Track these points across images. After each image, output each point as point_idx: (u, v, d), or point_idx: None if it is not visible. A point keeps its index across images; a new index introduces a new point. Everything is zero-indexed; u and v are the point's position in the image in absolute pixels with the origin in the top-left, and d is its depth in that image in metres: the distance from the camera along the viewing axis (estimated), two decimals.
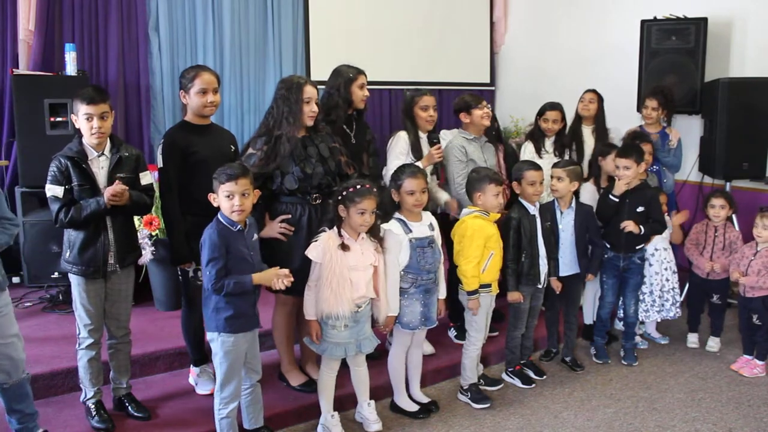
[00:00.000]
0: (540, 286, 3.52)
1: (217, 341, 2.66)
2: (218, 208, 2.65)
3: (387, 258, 2.99)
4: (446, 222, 3.60)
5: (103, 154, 2.82)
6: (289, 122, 2.99)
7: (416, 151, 3.62)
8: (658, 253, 3.95)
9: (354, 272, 2.86)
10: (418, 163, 3.49)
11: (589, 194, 3.92)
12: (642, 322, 4.12)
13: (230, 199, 2.58)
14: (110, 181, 2.80)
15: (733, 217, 4.19)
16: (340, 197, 2.83)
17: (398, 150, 3.59)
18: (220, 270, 2.54)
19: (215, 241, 2.55)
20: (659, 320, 4.09)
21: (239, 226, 2.62)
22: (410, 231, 3.03)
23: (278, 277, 2.63)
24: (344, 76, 3.45)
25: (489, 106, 3.82)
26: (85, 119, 2.72)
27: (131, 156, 2.90)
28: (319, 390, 3.03)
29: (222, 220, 2.61)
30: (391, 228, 3.01)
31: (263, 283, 2.65)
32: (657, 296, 3.96)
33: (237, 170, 2.59)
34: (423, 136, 3.68)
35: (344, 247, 2.83)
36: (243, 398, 2.82)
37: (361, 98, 3.47)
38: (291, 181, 2.98)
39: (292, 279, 2.67)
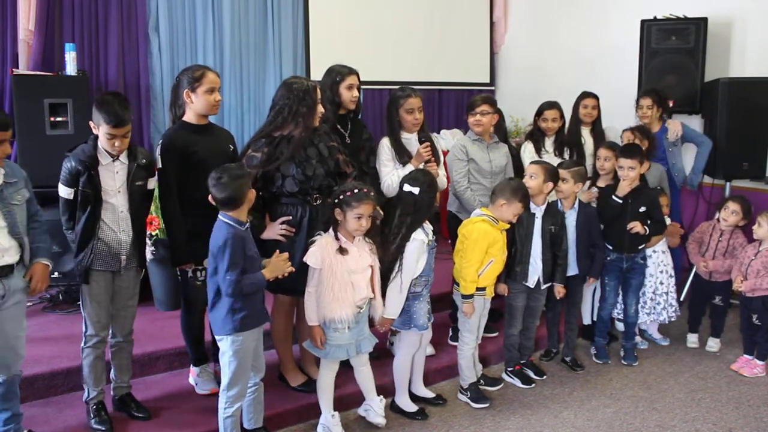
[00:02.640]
0: (528, 285, 3.51)
1: (226, 340, 2.65)
2: (218, 210, 2.65)
3: (405, 264, 2.97)
4: (455, 220, 3.63)
5: (118, 159, 2.81)
6: (299, 123, 2.97)
7: (401, 153, 3.52)
8: (656, 255, 3.94)
9: (354, 275, 2.86)
10: (409, 165, 3.46)
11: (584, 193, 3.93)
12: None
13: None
14: (129, 189, 2.83)
15: None
16: (337, 200, 2.82)
17: (383, 158, 3.53)
18: (239, 274, 2.55)
19: (235, 246, 2.54)
20: (649, 322, 4.06)
21: (247, 225, 2.64)
22: (428, 235, 3.04)
23: (271, 234, 2.77)
24: (331, 77, 3.43)
25: (486, 111, 3.70)
26: (107, 138, 2.71)
27: (148, 162, 2.93)
28: (319, 391, 3.03)
29: (231, 223, 2.59)
30: (419, 236, 2.99)
31: (274, 275, 2.65)
32: (649, 298, 3.95)
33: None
34: (411, 137, 3.59)
35: (342, 250, 2.83)
36: (246, 397, 2.82)
37: (350, 99, 3.43)
38: (291, 184, 2.97)
39: (290, 228, 2.77)
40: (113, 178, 2.80)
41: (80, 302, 2.88)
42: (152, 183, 2.99)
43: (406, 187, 3.03)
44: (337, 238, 2.84)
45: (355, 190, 2.79)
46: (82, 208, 2.76)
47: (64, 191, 2.77)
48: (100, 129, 2.71)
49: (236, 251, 2.53)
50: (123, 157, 2.84)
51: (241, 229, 2.59)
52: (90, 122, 2.75)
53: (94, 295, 2.83)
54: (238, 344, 2.64)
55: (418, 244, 2.99)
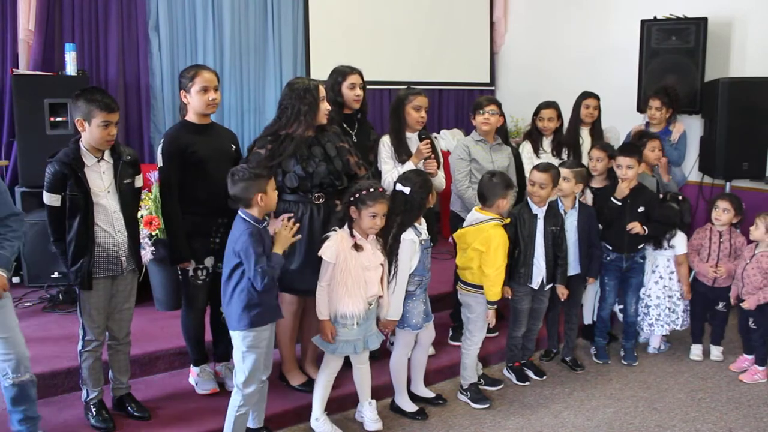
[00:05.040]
0: (533, 287, 3.51)
1: (239, 335, 2.67)
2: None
3: (400, 265, 2.99)
4: (458, 220, 3.62)
5: (102, 159, 2.78)
6: (301, 121, 2.99)
7: (401, 151, 3.53)
8: (666, 262, 3.89)
9: (367, 272, 2.88)
10: (409, 162, 3.47)
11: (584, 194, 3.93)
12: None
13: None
14: (119, 188, 2.80)
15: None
16: (352, 198, 2.84)
17: (384, 155, 3.54)
18: (266, 263, 2.59)
19: (257, 238, 2.59)
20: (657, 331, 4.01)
21: (264, 224, 2.67)
22: (420, 234, 3.05)
23: (286, 229, 2.73)
24: (334, 77, 3.45)
25: (494, 111, 3.74)
26: (103, 126, 2.67)
27: (133, 159, 2.90)
28: (316, 388, 3.03)
29: (250, 221, 2.63)
30: (408, 236, 3.00)
31: (285, 246, 2.70)
32: (665, 307, 3.90)
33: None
34: (412, 136, 3.61)
35: (357, 247, 2.85)
36: None
37: (352, 98, 3.45)
38: (291, 179, 2.98)
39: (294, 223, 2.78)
40: (100, 178, 2.76)
41: (78, 307, 2.85)
42: (139, 180, 2.96)
43: (398, 187, 3.05)
44: (352, 235, 2.86)
45: (371, 189, 2.83)
46: (72, 215, 2.69)
47: (50, 198, 2.68)
48: (93, 121, 2.66)
49: (257, 243, 2.58)
50: (107, 156, 2.79)
51: (257, 226, 2.63)
52: (76, 120, 2.68)
53: (93, 302, 2.81)
54: (250, 339, 2.66)
55: (408, 244, 3.00)
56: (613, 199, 3.69)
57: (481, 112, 3.74)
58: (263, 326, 2.68)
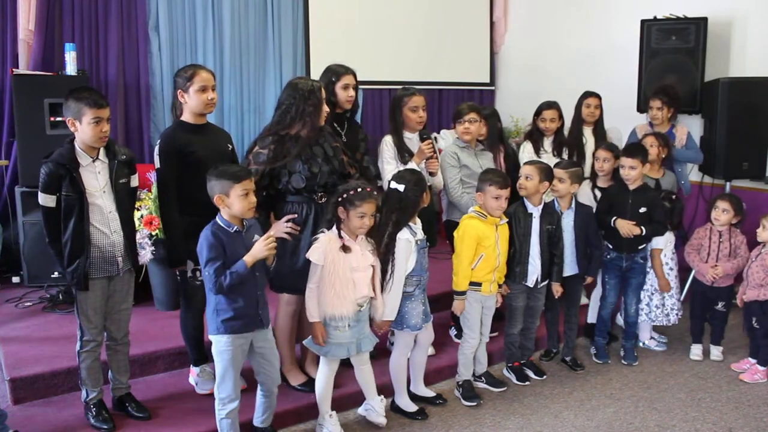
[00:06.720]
0: (528, 285, 3.52)
1: (213, 341, 2.67)
2: (217, 209, 2.65)
3: (396, 265, 2.98)
4: (452, 227, 3.61)
5: (98, 158, 2.77)
6: (306, 122, 2.99)
7: (403, 151, 3.54)
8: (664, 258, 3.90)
9: (356, 273, 2.87)
10: (411, 162, 3.48)
11: (585, 194, 3.92)
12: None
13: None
14: (114, 188, 2.80)
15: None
16: (340, 199, 2.83)
17: (387, 155, 3.55)
18: (218, 269, 2.52)
19: (211, 241, 2.54)
20: (648, 322, 4.03)
21: (236, 228, 2.61)
22: (415, 234, 3.05)
23: (276, 232, 2.70)
24: (327, 76, 3.44)
25: (474, 119, 3.71)
26: (94, 123, 2.66)
27: (128, 158, 2.90)
28: (318, 390, 3.03)
29: (219, 222, 2.60)
30: (404, 236, 3.00)
31: (256, 257, 2.57)
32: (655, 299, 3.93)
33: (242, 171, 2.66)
34: (413, 136, 3.62)
35: (345, 248, 2.84)
36: (259, 398, 2.85)
37: (345, 99, 3.44)
38: (298, 180, 2.99)
39: (295, 226, 2.74)
40: (96, 178, 2.76)
41: (75, 307, 2.85)
42: (135, 180, 2.96)
43: (393, 185, 3.05)
44: (340, 236, 2.86)
45: (359, 189, 2.81)
46: (68, 215, 2.69)
47: (45, 198, 2.68)
48: (84, 119, 2.65)
49: (213, 247, 2.53)
50: (102, 156, 2.79)
51: (227, 230, 2.58)
52: (68, 120, 2.68)
53: (90, 302, 2.80)
54: (221, 345, 2.63)
55: (404, 243, 2.99)
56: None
57: (460, 121, 3.74)
58: (233, 334, 2.62)
